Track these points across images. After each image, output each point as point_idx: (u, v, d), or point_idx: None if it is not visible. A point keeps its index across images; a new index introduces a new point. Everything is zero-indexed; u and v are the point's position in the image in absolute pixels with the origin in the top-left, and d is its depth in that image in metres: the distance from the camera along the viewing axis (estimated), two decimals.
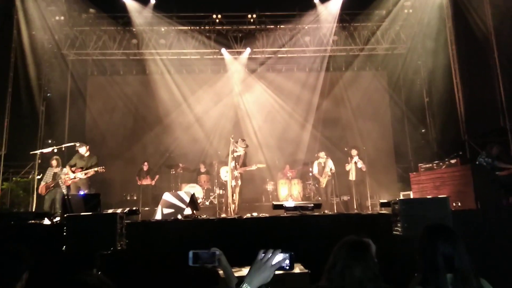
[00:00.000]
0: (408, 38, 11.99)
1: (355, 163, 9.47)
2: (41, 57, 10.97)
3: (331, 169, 9.75)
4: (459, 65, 10.09)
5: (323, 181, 9.84)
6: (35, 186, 9.09)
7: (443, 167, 6.96)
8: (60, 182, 8.65)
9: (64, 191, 8.74)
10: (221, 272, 2.32)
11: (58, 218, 6.18)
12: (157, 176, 10.76)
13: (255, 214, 7.17)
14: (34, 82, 10.63)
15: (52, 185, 8.55)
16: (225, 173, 8.20)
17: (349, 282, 2.07)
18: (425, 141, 11.84)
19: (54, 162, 8.68)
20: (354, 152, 9.77)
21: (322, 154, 10.07)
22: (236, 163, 7.99)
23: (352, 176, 9.59)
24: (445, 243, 2.23)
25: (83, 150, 8.62)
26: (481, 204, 5.99)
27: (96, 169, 8.35)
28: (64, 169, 8.69)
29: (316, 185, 10.35)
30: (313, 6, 11.50)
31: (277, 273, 4.14)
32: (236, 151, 8.24)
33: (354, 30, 12.02)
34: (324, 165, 9.92)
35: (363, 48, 12.15)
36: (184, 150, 12.16)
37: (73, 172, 8.37)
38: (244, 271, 4.15)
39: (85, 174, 8.35)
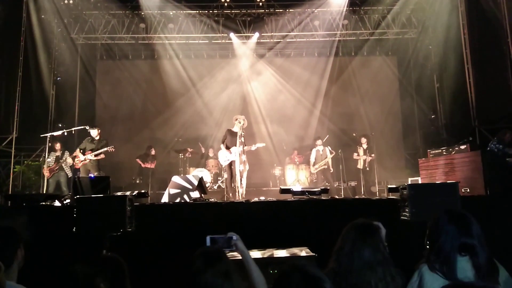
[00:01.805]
0: (419, 22, 11.79)
1: (364, 160, 9.54)
2: (50, 41, 11.00)
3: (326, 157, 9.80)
4: (470, 50, 9.90)
5: (316, 169, 9.86)
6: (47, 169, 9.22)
7: (453, 153, 6.91)
8: (64, 166, 8.80)
9: (69, 174, 8.90)
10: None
11: (68, 200, 6.28)
12: (167, 159, 10.83)
13: (262, 198, 7.20)
14: (44, 66, 10.66)
15: (56, 168, 8.71)
16: (224, 156, 8.11)
17: (358, 264, 2.06)
18: (434, 127, 11.72)
19: (57, 146, 8.83)
20: (363, 140, 9.76)
21: (319, 141, 10.03)
22: (244, 147, 7.95)
23: (360, 165, 9.66)
24: (465, 233, 2.17)
25: (94, 132, 8.70)
26: (490, 190, 5.96)
27: (106, 149, 8.45)
28: (67, 152, 8.84)
29: (314, 173, 10.33)
30: None
31: (285, 256, 4.20)
32: (241, 133, 8.01)
33: (364, 14, 11.85)
34: (322, 153, 9.90)
35: (373, 33, 11.97)
36: (193, 134, 12.20)
37: (84, 154, 8.47)
38: (252, 253, 4.19)
39: (95, 156, 8.43)
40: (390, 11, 11.60)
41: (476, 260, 2.12)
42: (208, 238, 2.27)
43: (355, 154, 9.77)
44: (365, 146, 9.73)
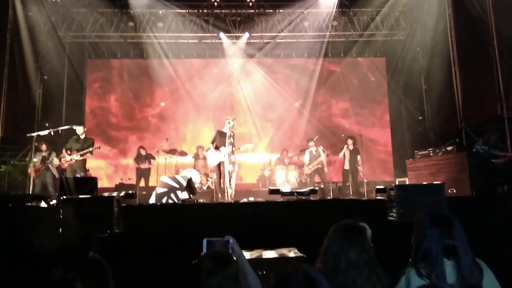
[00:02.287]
0: (408, 24, 11.92)
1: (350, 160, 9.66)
2: (37, 39, 10.83)
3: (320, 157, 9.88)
4: (457, 52, 10.04)
5: (310, 169, 9.91)
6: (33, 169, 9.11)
7: (440, 154, 7.00)
8: (50, 166, 8.69)
9: (56, 174, 8.79)
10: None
11: (54, 201, 6.20)
12: (155, 160, 10.77)
13: (251, 199, 7.20)
14: (30, 64, 10.50)
15: (42, 169, 8.61)
16: (213, 157, 8.08)
17: (344, 264, 2.07)
18: (422, 128, 11.85)
19: (43, 146, 8.72)
20: (350, 141, 9.85)
21: (311, 143, 10.06)
22: (233, 148, 7.94)
23: (347, 165, 9.74)
24: (447, 235, 2.17)
25: (80, 130, 8.57)
26: (476, 191, 6.05)
27: (91, 149, 8.33)
28: (53, 152, 8.74)
29: (306, 174, 10.37)
30: None
31: (272, 257, 4.20)
32: (230, 133, 8.02)
33: (353, 16, 11.93)
34: (315, 154, 9.94)
35: (362, 34, 12.07)
36: (182, 135, 12.16)
37: (69, 154, 8.36)
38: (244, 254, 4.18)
39: (81, 155, 8.33)
40: (379, 13, 11.70)
41: (458, 262, 2.13)
42: (205, 241, 2.26)
43: (341, 153, 9.88)
44: (351, 147, 9.81)
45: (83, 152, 8.31)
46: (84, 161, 8.50)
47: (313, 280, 1.45)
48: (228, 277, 1.79)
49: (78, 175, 8.18)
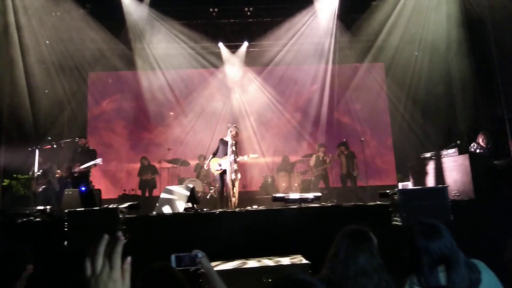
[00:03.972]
0: (406, 28, 11.92)
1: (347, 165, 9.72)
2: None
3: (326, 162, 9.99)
4: (457, 56, 10.09)
5: (315, 173, 10.03)
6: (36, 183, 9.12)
7: (442, 157, 6.97)
8: (52, 179, 8.72)
9: (57, 187, 8.82)
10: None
11: (59, 214, 6.21)
12: (159, 170, 10.80)
13: (255, 206, 7.20)
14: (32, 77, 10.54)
15: (44, 182, 8.63)
16: (217, 166, 8.11)
17: (354, 271, 2.06)
18: (424, 131, 11.86)
19: (42, 159, 8.75)
20: (342, 148, 10.01)
21: (321, 148, 10.22)
22: (235, 156, 7.96)
23: (344, 169, 9.85)
24: (436, 242, 2.17)
25: (82, 143, 8.66)
26: (479, 193, 6.03)
27: (94, 162, 8.35)
28: (54, 165, 8.79)
29: (313, 179, 10.40)
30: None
31: (277, 265, 4.20)
32: (232, 142, 8.04)
33: (352, 23, 11.92)
34: (322, 160, 10.06)
35: (362, 40, 12.08)
36: (184, 144, 12.17)
37: (72, 167, 8.39)
38: (246, 262, 4.19)
39: (85, 168, 8.36)
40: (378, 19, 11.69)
41: (450, 271, 2.13)
42: (173, 257, 2.28)
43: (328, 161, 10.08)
44: (346, 152, 9.92)
45: (86, 165, 8.34)
46: (88, 173, 8.53)
47: (303, 282, 1.45)
48: None
49: (82, 188, 8.19)
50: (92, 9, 10.97)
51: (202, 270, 2.33)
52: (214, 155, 8.25)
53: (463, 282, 2.11)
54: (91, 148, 8.83)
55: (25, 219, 5.54)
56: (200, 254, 2.32)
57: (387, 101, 12.87)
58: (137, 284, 1.84)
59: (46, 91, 11.26)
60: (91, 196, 6.18)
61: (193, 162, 11.47)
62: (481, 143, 7.45)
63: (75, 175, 8.38)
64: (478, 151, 6.99)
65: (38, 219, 5.67)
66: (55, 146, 8.37)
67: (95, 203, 6.02)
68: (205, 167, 8.44)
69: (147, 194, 10.55)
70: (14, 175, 9.68)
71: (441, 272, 2.15)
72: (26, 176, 9.70)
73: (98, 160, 8.37)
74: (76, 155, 8.62)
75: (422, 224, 2.31)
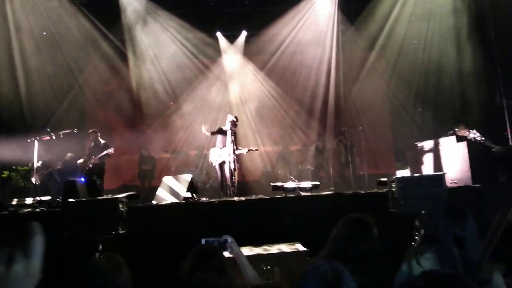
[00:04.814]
0: (406, 17, 11.85)
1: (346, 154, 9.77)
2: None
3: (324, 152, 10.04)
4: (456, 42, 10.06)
5: (314, 163, 10.10)
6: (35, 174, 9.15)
7: (440, 145, 7.00)
8: (52, 170, 8.79)
9: (57, 177, 8.89)
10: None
11: (59, 205, 6.24)
12: (158, 161, 10.84)
13: (254, 195, 7.24)
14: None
15: (45, 173, 8.69)
16: (217, 156, 8.13)
17: (354, 255, 2.12)
18: (422, 119, 11.86)
19: (42, 150, 8.80)
20: (341, 137, 10.06)
21: (320, 137, 10.28)
22: (235, 146, 7.98)
23: (343, 159, 9.88)
24: (458, 225, 2.22)
25: (94, 137, 8.87)
26: (477, 181, 6.07)
27: (106, 152, 8.53)
28: (54, 156, 8.90)
29: (313, 168, 10.45)
30: None
31: (276, 252, 4.24)
32: (232, 132, 8.05)
33: (354, 13, 11.80)
34: (322, 148, 10.11)
35: (363, 28, 11.98)
36: (184, 134, 12.15)
37: (86, 160, 8.63)
38: (245, 250, 4.23)
39: (98, 160, 8.56)
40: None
41: (465, 254, 2.16)
42: (203, 241, 2.30)
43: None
44: (344, 141, 9.95)
45: (99, 156, 8.52)
46: (103, 165, 8.73)
47: (339, 271, 1.50)
48: (212, 270, 1.81)
49: (81, 179, 8.25)
50: None
51: (231, 255, 2.36)
52: (209, 132, 8.24)
53: (475, 269, 2.15)
54: (103, 141, 8.93)
55: (25, 210, 5.58)
56: (230, 239, 2.35)
57: (386, 90, 12.82)
58: (187, 263, 1.86)
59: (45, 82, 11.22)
60: (92, 186, 6.20)
61: (192, 153, 11.48)
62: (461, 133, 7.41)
63: (90, 166, 8.56)
64: (476, 139, 7.01)
65: (37, 209, 5.70)
66: (54, 137, 8.37)
67: (95, 194, 6.05)
68: (205, 131, 8.29)
69: (146, 185, 10.59)
70: (14, 167, 9.71)
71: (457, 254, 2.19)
72: (26, 167, 9.73)
73: (110, 150, 8.55)
74: (91, 149, 8.84)
75: (450, 205, 2.40)
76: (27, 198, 6.18)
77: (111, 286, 1.84)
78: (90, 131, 9.06)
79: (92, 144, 8.94)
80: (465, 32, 9.87)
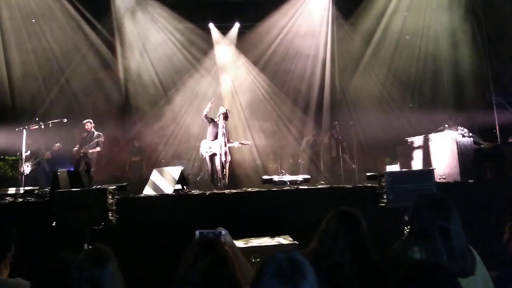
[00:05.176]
0: (401, 12, 11.85)
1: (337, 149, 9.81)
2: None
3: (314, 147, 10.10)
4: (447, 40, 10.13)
5: (305, 156, 10.15)
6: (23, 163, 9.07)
7: (430, 140, 7.06)
8: (40, 160, 8.73)
9: (46, 167, 8.84)
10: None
11: (47, 195, 6.18)
12: (149, 152, 10.78)
13: (245, 188, 7.24)
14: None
15: (34, 163, 8.63)
16: (207, 148, 8.10)
17: (342, 245, 2.14)
18: (412, 114, 11.93)
19: (30, 140, 8.73)
20: (333, 131, 10.11)
21: (311, 131, 10.31)
22: (226, 139, 7.96)
23: (334, 153, 9.93)
24: (443, 217, 2.25)
25: (89, 127, 8.90)
26: (465, 176, 6.14)
27: (96, 141, 8.62)
28: (43, 145, 8.89)
29: (304, 162, 10.50)
30: None
31: (267, 245, 4.26)
32: (223, 124, 8.02)
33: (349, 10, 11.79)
34: (313, 142, 10.15)
35: (357, 22, 11.97)
36: (175, 125, 12.06)
37: (80, 149, 8.65)
38: (237, 243, 4.24)
39: (90, 149, 8.59)
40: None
41: (451, 245, 2.19)
42: (197, 233, 2.29)
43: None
44: (336, 135, 10.00)
45: (90, 145, 8.59)
46: (93, 154, 8.78)
47: (296, 260, 1.49)
48: (215, 263, 1.81)
49: (71, 168, 8.20)
50: None
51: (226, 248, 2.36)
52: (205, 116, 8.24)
53: (463, 260, 2.19)
54: (96, 132, 8.96)
55: (12, 200, 5.52)
56: (224, 231, 2.35)
57: (379, 85, 12.83)
58: (189, 254, 1.84)
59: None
60: (82, 176, 6.15)
61: (184, 145, 11.42)
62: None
63: (81, 155, 8.61)
64: (465, 135, 7.08)
65: (25, 199, 5.65)
66: (43, 126, 8.27)
67: (86, 184, 6.01)
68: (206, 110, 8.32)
69: (137, 176, 10.53)
70: (1, 156, 9.60)
71: (441, 245, 2.22)
72: (14, 157, 9.63)
73: (101, 138, 8.68)
74: (84, 139, 8.84)
75: (433, 196, 2.44)
76: (10, 188, 6.10)
77: (89, 279, 1.82)
78: (85, 121, 9.04)
79: (85, 134, 8.92)
80: (459, 29, 9.92)
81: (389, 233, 3.74)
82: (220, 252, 1.88)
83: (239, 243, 4.22)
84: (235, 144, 8.29)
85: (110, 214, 4.11)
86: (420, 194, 2.46)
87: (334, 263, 2.10)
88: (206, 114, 8.20)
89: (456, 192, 5.50)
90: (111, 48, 11.97)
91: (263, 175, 7.90)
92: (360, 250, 2.13)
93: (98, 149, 8.80)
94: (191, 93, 12.33)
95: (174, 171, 6.75)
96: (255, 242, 4.29)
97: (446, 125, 7.52)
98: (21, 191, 5.98)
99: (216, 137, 7.99)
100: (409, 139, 7.74)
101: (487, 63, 8.89)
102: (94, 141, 8.64)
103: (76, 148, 8.82)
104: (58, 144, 8.96)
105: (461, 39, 9.84)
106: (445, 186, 5.68)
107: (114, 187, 4.54)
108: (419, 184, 4.22)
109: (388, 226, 4.06)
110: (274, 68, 12.61)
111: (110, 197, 4.19)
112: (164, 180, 6.67)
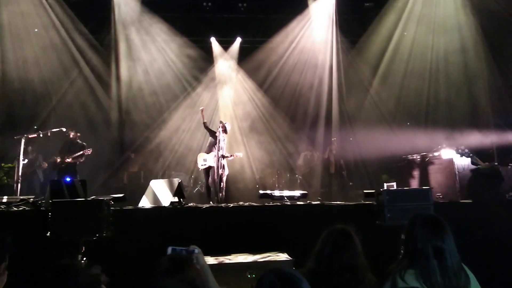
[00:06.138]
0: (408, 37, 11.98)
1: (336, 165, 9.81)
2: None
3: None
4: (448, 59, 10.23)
5: (303, 172, 10.14)
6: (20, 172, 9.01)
7: (427, 159, 7.08)
8: (37, 169, 8.67)
9: (41, 177, 8.77)
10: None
11: (42, 204, 6.13)
12: (146, 164, 10.75)
13: (241, 202, 7.20)
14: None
15: (29, 172, 8.56)
16: (202, 161, 8.10)
17: (338, 266, 2.12)
18: (410, 132, 11.95)
19: (29, 149, 8.68)
20: (333, 146, 10.11)
21: (309, 147, 10.32)
22: (224, 151, 7.94)
23: (332, 169, 9.93)
24: (437, 236, 2.25)
25: (72, 135, 8.68)
26: (463, 196, 6.14)
27: (82, 152, 8.42)
28: (40, 155, 8.75)
29: (301, 177, 10.49)
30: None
31: (263, 261, 4.21)
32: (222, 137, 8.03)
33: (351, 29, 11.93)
34: (310, 158, 10.15)
35: (362, 47, 12.09)
36: (172, 138, 12.05)
37: (62, 158, 8.42)
38: (231, 257, 4.21)
39: (73, 159, 8.42)
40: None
41: (444, 264, 2.19)
42: (169, 249, 2.28)
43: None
44: (334, 151, 10.01)
45: (75, 155, 8.40)
46: (75, 164, 8.51)
47: (287, 276, 1.48)
48: (184, 281, 1.79)
49: (67, 179, 8.14)
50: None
51: (197, 266, 2.34)
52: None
53: (457, 279, 2.19)
54: (80, 142, 8.78)
55: (7, 208, 5.46)
56: (197, 250, 2.34)
57: (375, 102, 12.88)
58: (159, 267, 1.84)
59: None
60: (78, 187, 6.11)
61: (181, 157, 11.39)
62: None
63: (62, 165, 8.38)
64: (463, 155, 7.09)
65: (20, 208, 5.59)
66: (41, 135, 8.25)
67: (81, 195, 5.96)
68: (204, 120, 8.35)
69: (133, 187, 10.47)
70: None
71: (436, 265, 2.21)
72: (10, 165, 9.56)
73: (88, 151, 8.45)
74: (65, 148, 8.64)
75: (426, 216, 2.43)
76: (4, 196, 6.05)
77: None
78: (70, 129, 8.84)
79: (70, 143, 8.74)
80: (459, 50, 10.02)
81: (386, 251, 3.72)
82: (190, 273, 1.86)
83: (234, 258, 4.18)
84: (229, 157, 8.31)
85: (105, 226, 4.08)
86: (415, 214, 2.45)
87: (333, 284, 2.09)
88: (205, 124, 8.24)
89: (453, 212, 5.48)
90: (110, 61, 12.01)
91: (260, 190, 7.89)
92: (357, 270, 2.13)
93: (81, 159, 8.63)
94: (190, 106, 12.35)
95: (171, 183, 6.72)
96: (251, 257, 4.26)
97: (445, 144, 7.54)
98: (16, 200, 5.93)
99: (211, 149, 7.99)
100: (407, 157, 7.76)
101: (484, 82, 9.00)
102: (80, 152, 8.45)
103: (58, 158, 8.55)
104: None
105: (458, 58, 9.94)
106: (441, 206, 5.66)
107: (111, 198, 4.52)
108: (416, 203, 4.21)
109: (384, 244, 4.04)
110: (272, 84, 12.66)
111: (106, 208, 4.16)
112: (161, 192, 6.63)
